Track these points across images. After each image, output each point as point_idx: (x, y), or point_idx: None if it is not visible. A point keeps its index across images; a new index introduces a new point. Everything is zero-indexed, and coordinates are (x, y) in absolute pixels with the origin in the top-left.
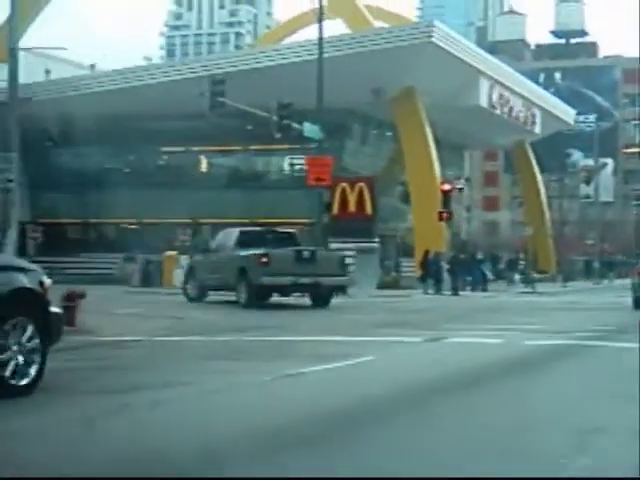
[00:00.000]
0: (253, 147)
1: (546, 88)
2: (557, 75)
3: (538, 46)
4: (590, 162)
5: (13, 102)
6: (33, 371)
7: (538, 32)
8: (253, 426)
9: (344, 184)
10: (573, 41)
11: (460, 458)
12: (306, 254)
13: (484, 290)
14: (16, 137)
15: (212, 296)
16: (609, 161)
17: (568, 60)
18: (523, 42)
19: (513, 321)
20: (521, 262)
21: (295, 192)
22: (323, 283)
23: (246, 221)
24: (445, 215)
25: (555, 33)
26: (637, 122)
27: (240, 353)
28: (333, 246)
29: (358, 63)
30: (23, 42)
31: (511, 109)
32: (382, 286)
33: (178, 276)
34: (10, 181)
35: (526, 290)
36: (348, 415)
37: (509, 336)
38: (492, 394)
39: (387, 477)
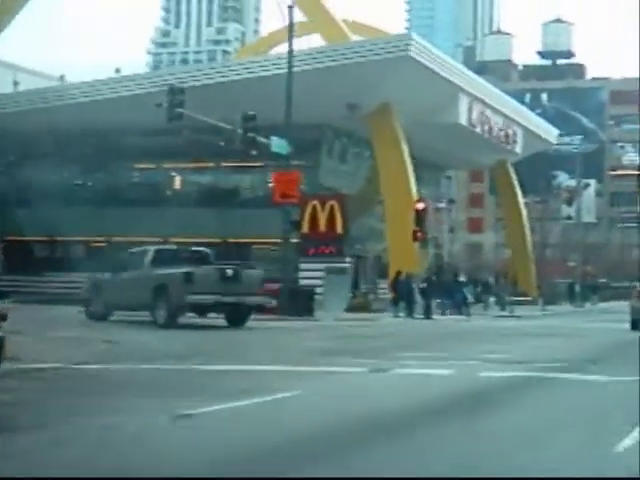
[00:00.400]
0: (226, 164)
1: (532, 109)
2: (543, 96)
3: (525, 67)
4: (573, 183)
5: None
6: None
7: (525, 53)
8: None
9: (314, 202)
10: (560, 62)
11: None
12: (230, 272)
13: (466, 314)
14: None
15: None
16: (592, 182)
17: (555, 81)
18: (510, 62)
19: (475, 349)
20: (496, 285)
21: (267, 211)
22: (246, 302)
23: (217, 240)
24: (419, 235)
25: (542, 54)
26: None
27: (152, 385)
28: (302, 266)
29: (332, 77)
30: None
31: (491, 127)
32: (352, 309)
33: None
34: None
35: (503, 314)
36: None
37: (463, 367)
38: (418, 443)
39: None
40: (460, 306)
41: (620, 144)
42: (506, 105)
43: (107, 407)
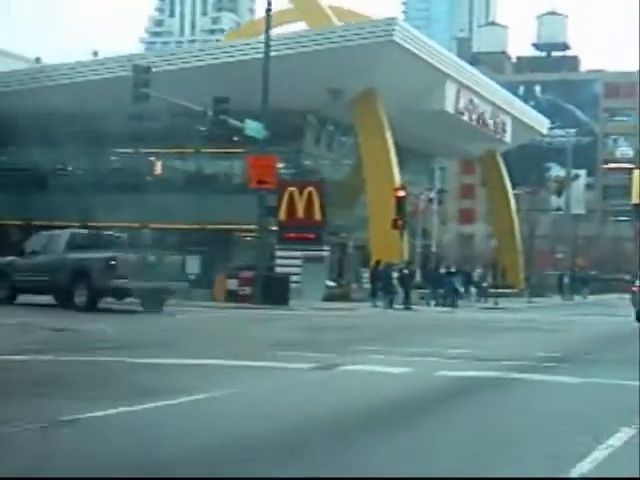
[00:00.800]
0: (207, 150)
1: (526, 101)
2: (537, 88)
3: (519, 58)
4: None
5: None
6: None
7: (520, 45)
8: None
9: (292, 188)
10: (554, 54)
11: None
12: (152, 258)
13: (453, 305)
14: None
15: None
16: (581, 172)
17: (549, 73)
18: (504, 54)
19: (441, 343)
20: (477, 275)
21: (246, 197)
22: (166, 287)
23: (196, 226)
24: (399, 223)
25: (537, 46)
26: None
27: (57, 381)
28: (279, 254)
29: (315, 62)
30: None
31: (480, 116)
32: (331, 298)
33: None
34: None
35: (488, 306)
36: None
37: (421, 364)
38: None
39: None
40: (449, 297)
41: (614, 137)
42: (495, 94)
43: None
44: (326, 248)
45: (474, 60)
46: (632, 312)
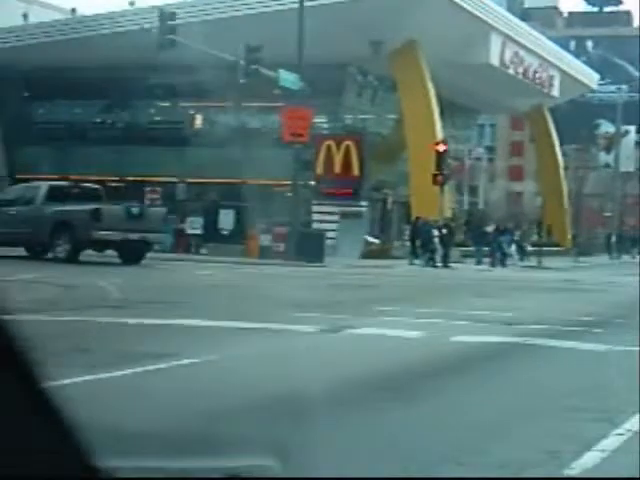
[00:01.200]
0: (246, 104)
1: (577, 56)
2: (589, 43)
3: (570, 13)
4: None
5: None
6: None
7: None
8: None
9: (329, 142)
10: (607, 9)
11: None
12: (135, 210)
13: (495, 264)
14: None
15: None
16: (632, 129)
17: (601, 28)
18: (555, 9)
19: (468, 305)
20: (517, 235)
21: (286, 151)
22: (148, 239)
23: (234, 180)
24: (439, 178)
25: (588, 0)
26: None
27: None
28: (315, 209)
29: (354, 13)
30: None
31: (526, 69)
32: (370, 255)
33: None
34: None
35: (530, 264)
36: None
37: (438, 328)
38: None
39: None
40: (495, 256)
41: None
42: (543, 47)
43: None
44: (364, 204)
45: (525, 15)
46: None
